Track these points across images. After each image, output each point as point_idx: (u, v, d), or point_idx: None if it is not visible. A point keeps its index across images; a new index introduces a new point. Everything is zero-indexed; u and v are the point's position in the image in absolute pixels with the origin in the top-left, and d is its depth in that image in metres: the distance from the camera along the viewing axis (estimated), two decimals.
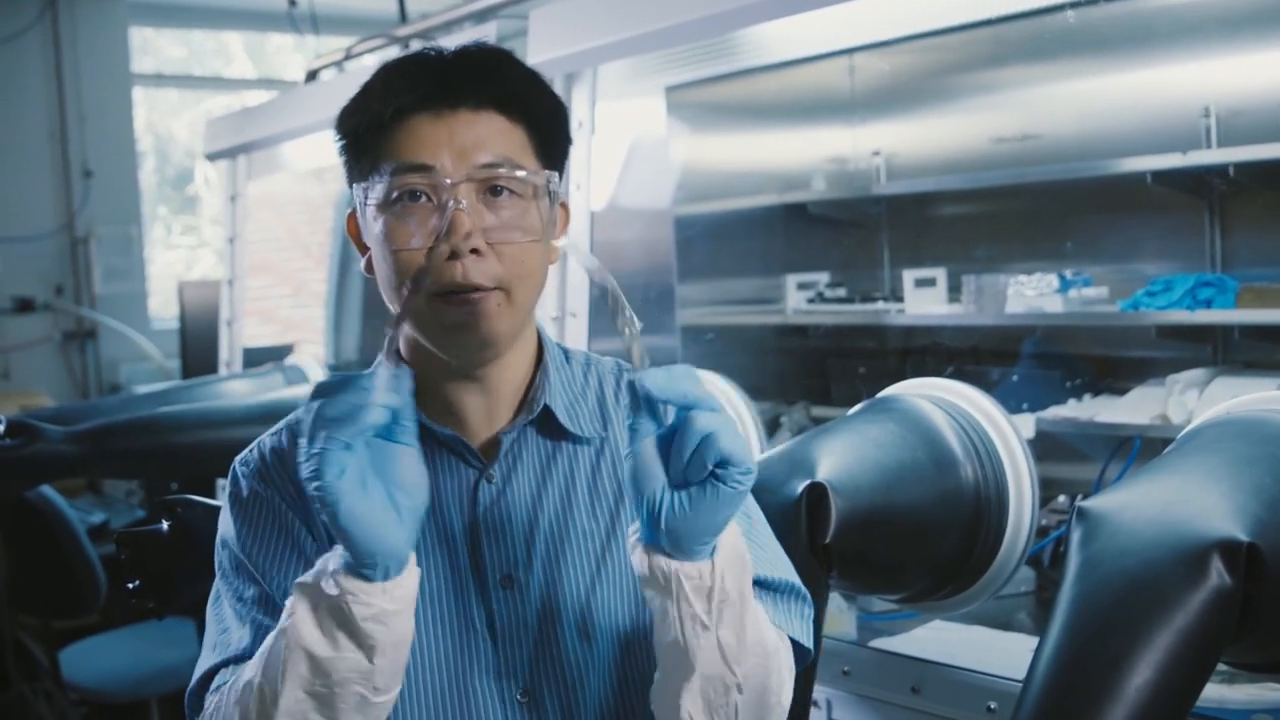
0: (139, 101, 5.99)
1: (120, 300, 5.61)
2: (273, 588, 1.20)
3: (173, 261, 6.54)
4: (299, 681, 1.02)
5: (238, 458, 1.28)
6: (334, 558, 1.02)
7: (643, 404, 1.02)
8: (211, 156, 4.49)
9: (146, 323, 5.74)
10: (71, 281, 5.53)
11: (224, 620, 1.21)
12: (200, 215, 6.70)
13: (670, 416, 1.03)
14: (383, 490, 1.00)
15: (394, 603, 1.01)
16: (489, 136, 1.19)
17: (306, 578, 1.03)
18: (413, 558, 1.04)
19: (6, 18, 5.31)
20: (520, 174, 1.19)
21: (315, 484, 0.97)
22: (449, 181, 1.16)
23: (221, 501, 1.28)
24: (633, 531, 1.07)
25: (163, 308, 5.96)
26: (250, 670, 1.08)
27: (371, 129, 1.20)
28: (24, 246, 5.36)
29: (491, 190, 1.18)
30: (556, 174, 1.24)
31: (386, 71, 1.23)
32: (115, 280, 5.61)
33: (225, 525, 1.25)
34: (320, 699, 1.03)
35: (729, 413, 1.04)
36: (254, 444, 1.28)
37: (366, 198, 1.20)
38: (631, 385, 1.02)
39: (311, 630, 1.01)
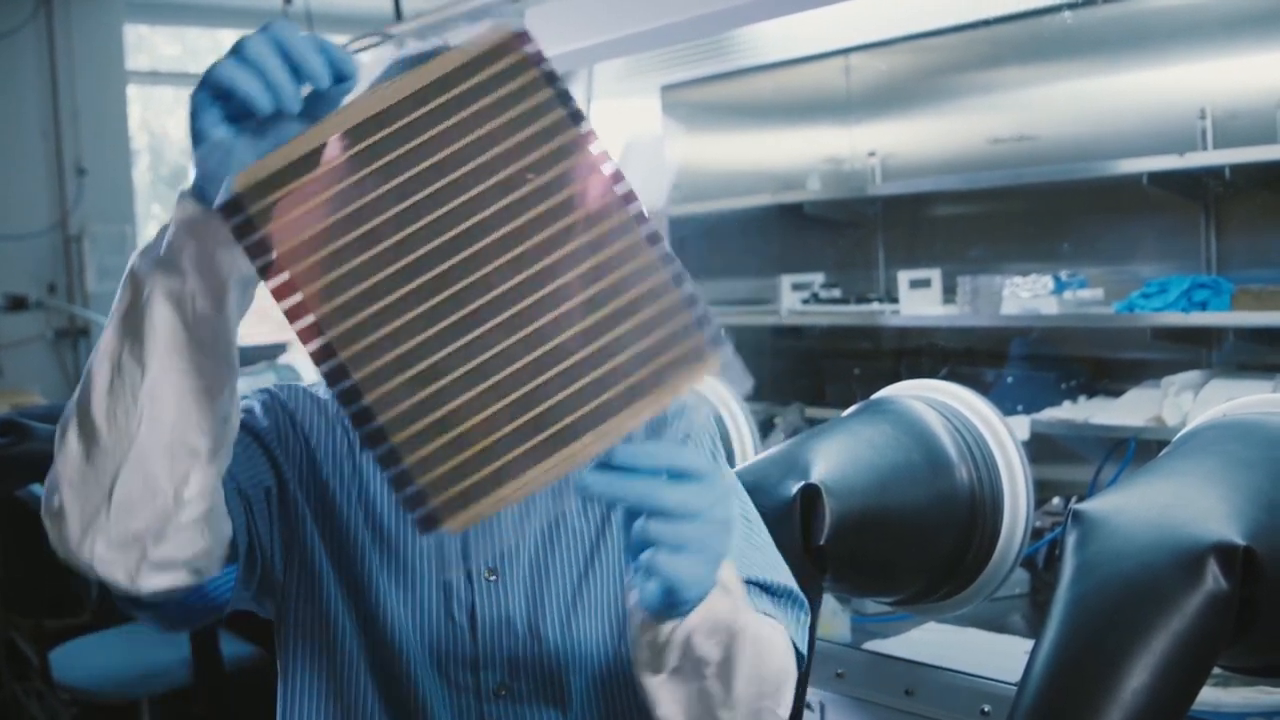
0: (133, 99, 5.97)
1: (113, 299, 5.57)
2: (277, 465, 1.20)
3: None
4: (118, 312, 0.98)
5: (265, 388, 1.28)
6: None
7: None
8: None
9: None
10: (64, 280, 5.51)
11: None
12: None
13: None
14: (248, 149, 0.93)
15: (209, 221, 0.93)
16: None
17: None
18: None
19: (0, 15, 5.30)
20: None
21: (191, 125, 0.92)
22: None
23: None
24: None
25: None
26: None
27: None
28: (16, 244, 5.34)
29: None
30: None
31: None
32: (108, 279, 5.59)
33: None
34: (130, 328, 0.97)
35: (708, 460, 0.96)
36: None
37: None
38: None
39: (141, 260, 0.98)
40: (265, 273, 0.90)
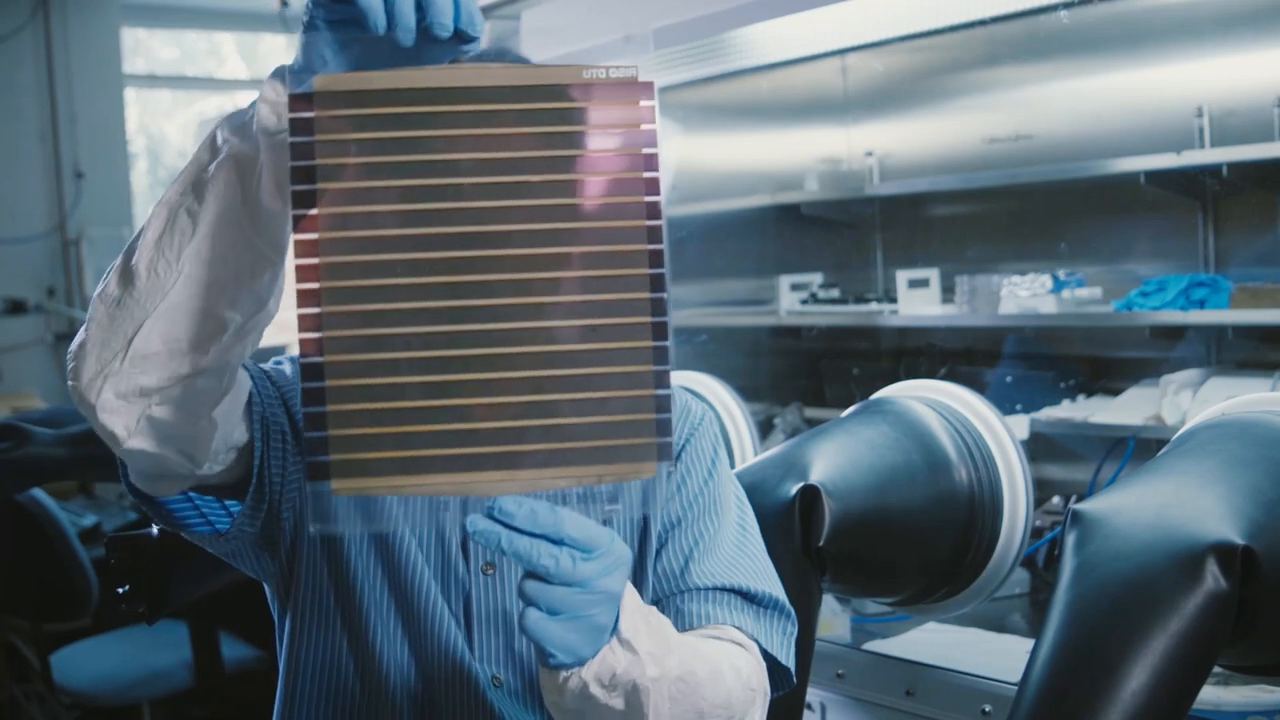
0: (131, 102, 5.97)
1: None
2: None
3: None
4: (190, 168, 0.99)
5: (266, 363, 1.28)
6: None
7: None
8: None
9: None
10: (63, 283, 5.51)
11: None
12: None
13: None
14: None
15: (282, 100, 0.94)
16: None
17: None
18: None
19: None
20: None
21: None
22: None
23: None
24: None
25: None
26: None
27: None
28: (15, 248, 5.34)
29: None
30: None
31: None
32: None
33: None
34: (195, 186, 0.98)
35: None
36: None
37: None
38: None
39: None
40: (296, 175, 0.91)
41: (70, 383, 1.00)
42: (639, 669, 1.00)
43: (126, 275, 0.98)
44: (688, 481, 1.29)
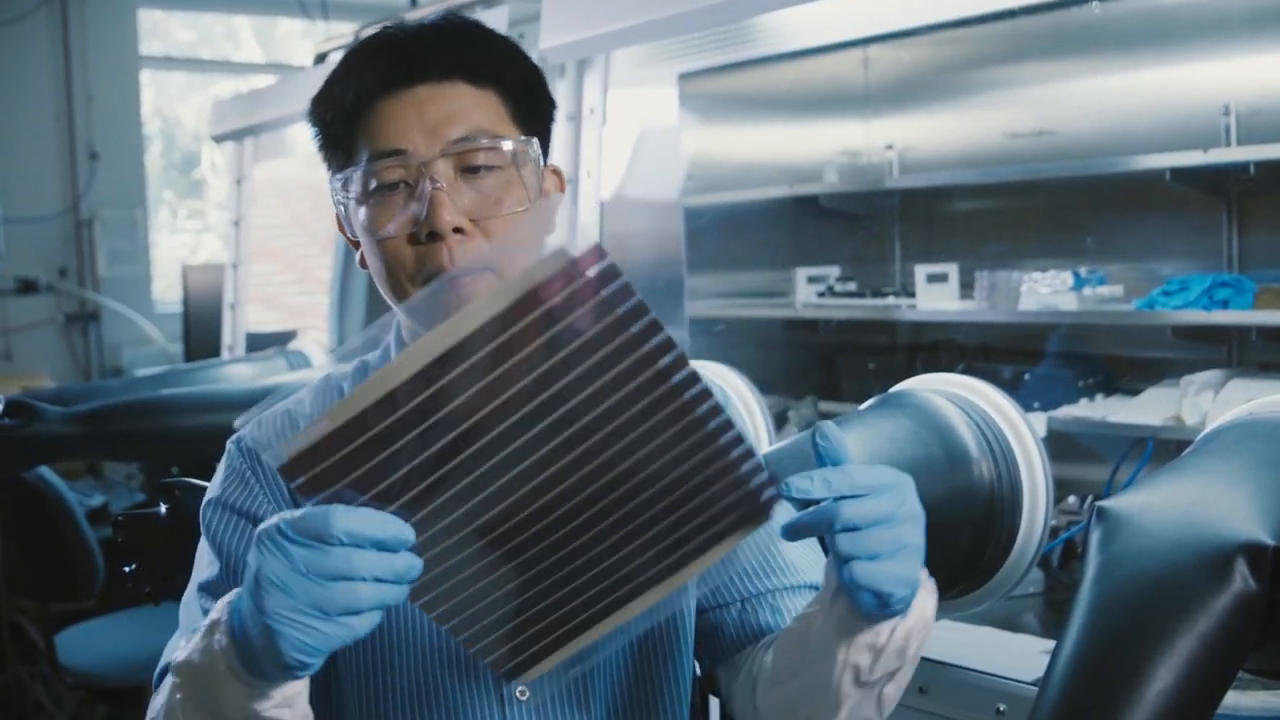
0: (146, 84, 5.97)
1: (124, 283, 5.59)
2: (229, 564, 1.17)
3: (177, 245, 6.52)
4: None
5: (232, 437, 1.25)
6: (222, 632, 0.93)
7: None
8: (217, 138, 4.46)
9: (150, 306, 5.72)
10: (75, 264, 5.52)
11: (191, 606, 1.18)
12: (206, 199, 6.68)
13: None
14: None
15: (295, 687, 0.95)
16: (458, 109, 1.15)
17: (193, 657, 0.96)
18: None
19: None
20: (493, 144, 1.15)
21: (260, 573, 0.87)
22: (421, 162, 1.12)
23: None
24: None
25: (166, 291, 5.94)
26: (163, 693, 1.01)
27: (339, 118, 1.17)
28: (29, 228, 5.34)
29: (469, 166, 1.14)
30: (536, 139, 1.19)
31: (349, 55, 1.20)
32: (119, 263, 5.59)
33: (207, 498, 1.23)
34: None
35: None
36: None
37: (347, 190, 1.16)
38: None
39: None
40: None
41: None
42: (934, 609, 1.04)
43: None
44: None
